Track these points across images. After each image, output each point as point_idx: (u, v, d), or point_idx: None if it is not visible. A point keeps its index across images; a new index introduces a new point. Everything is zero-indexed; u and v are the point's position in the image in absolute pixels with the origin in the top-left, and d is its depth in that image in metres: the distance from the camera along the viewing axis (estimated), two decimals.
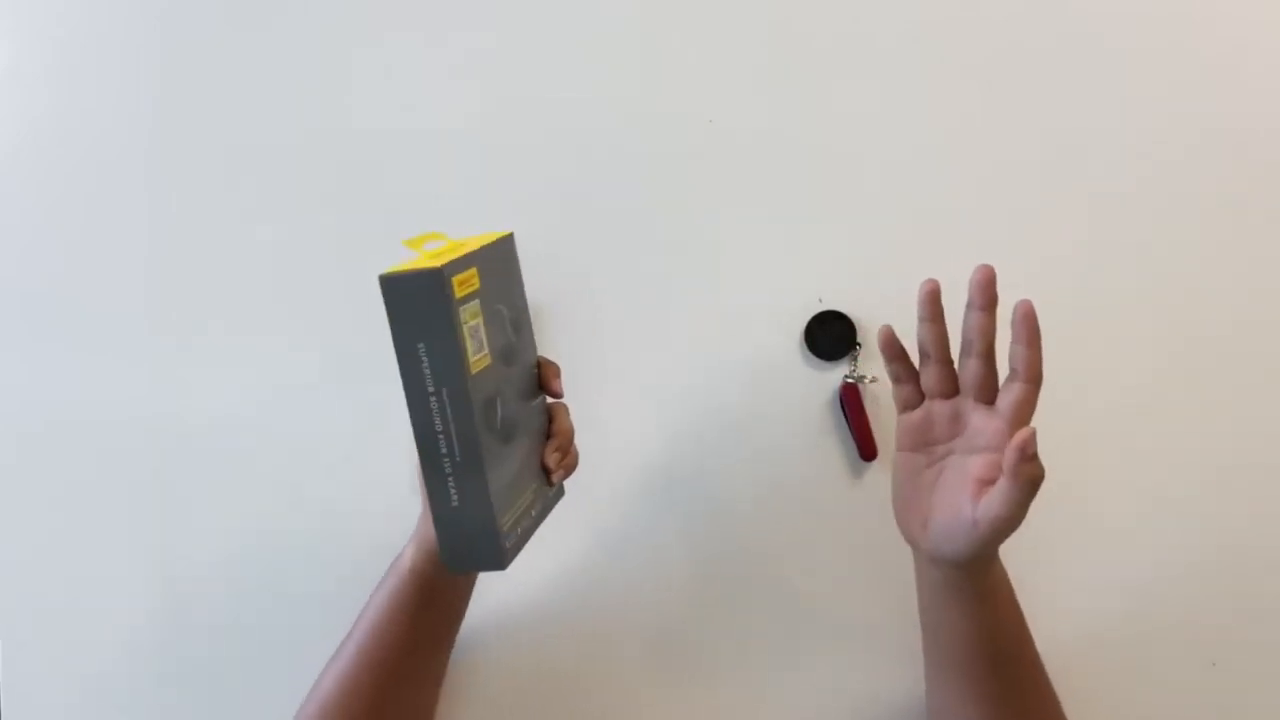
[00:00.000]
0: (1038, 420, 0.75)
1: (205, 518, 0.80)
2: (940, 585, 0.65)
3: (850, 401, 0.77)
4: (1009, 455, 0.58)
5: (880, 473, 0.77)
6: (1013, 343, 0.62)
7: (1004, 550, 0.76)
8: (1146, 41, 0.80)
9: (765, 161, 0.80)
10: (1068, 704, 0.68)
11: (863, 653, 0.75)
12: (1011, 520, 0.59)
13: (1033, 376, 0.62)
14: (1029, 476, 0.58)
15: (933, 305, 0.64)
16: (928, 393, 0.66)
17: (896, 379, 0.67)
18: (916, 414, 0.66)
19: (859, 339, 0.78)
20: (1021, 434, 0.57)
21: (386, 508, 0.79)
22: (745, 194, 0.80)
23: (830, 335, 0.78)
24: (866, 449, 0.77)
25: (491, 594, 0.77)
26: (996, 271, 0.61)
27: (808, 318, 0.79)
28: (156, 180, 0.83)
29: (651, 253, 0.79)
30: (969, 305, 0.62)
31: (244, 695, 0.78)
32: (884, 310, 0.78)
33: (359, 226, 0.82)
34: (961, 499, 0.62)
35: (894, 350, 0.67)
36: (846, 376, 0.78)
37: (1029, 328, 0.61)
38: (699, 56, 0.82)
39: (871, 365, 0.78)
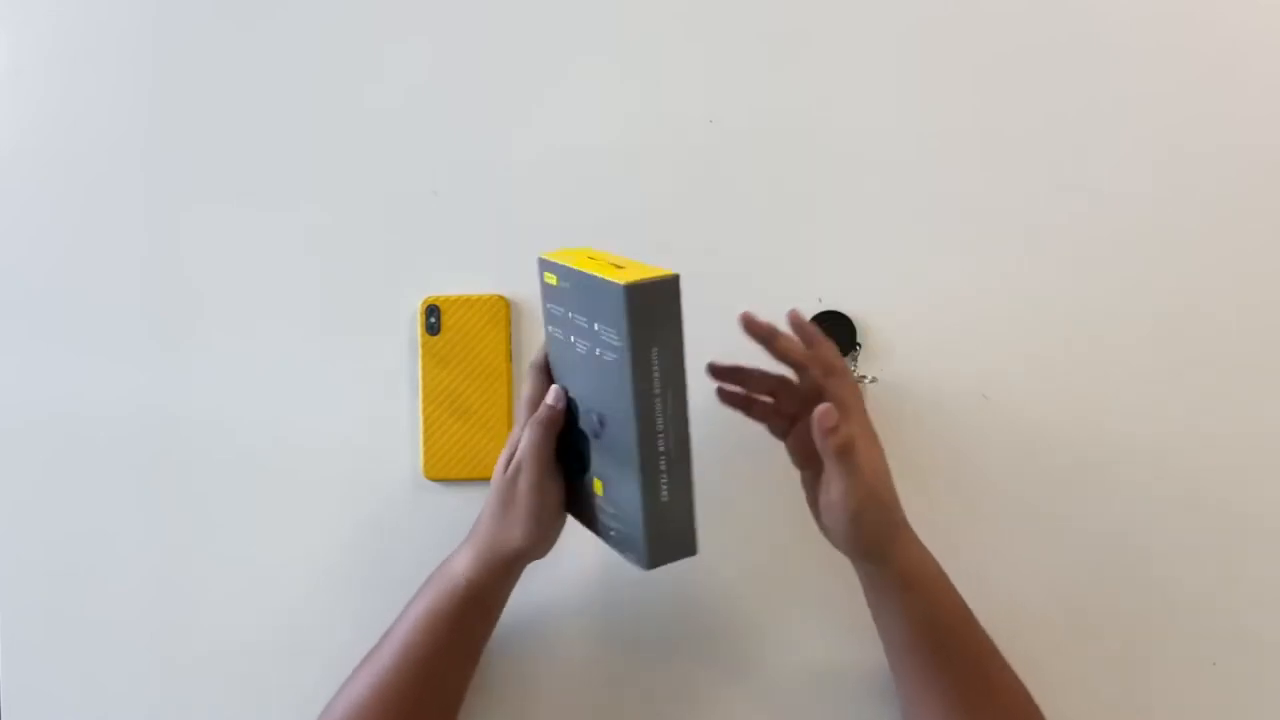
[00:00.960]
0: (1046, 420, 0.75)
1: (205, 515, 0.80)
2: (868, 581, 0.68)
3: None
4: (815, 435, 0.61)
5: None
6: (805, 347, 0.67)
7: (1006, 547, 0.76)
8: (1147, 41, 0.80)
9: (765, 161, 0.80)
10: (1068, 705, 0.68)
11: (862, 649, 0.75)
12: (849, 492, 0.62)
13: (832, 369, 0.66)
14: (836, 447, 0.61)
15: (727, 371, 0.70)
16: (783, 416, 0.70)
17: (761, 418, 0.71)
18: (790, 438, 0.70)
19: (859, 339, 0.78)
20: (817, 411, 0.61)
21: (388, 506, 0.79)
22: (745, 194, 0.80)
23: (830, 335, 0.78)
24: None
25: None
26: (752, 313, 0.66)
27: (808, 318, 0.78)
28: (155, 179, 0.83)
29: (651, 253, 0.79)
30: (764, 344, 0.67)
31: (245, 694, 0.79)
32: (884, 310, 0.79)
33: (359, 223, 0.82)
34: (828, 491, 0.65)
35: (737, 401, 0.71)
36: None
37: (806, 330, 0.68)
38: (699, 56, 0.82)
39: (871, 365, 0.78)
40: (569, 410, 0.67)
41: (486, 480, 0.78)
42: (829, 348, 0.68)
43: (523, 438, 0.66)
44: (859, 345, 0.78)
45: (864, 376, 0.78)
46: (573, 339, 0.65)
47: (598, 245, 0.77)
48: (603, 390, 0.63)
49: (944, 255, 0.79)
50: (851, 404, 0.66)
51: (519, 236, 0.81)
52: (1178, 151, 0.79)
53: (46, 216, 0.83)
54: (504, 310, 0.80)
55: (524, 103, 0.82)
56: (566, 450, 0.68)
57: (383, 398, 0.80)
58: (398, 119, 0.82)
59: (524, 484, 0.66)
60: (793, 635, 0.77)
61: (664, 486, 0.62)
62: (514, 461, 0.66)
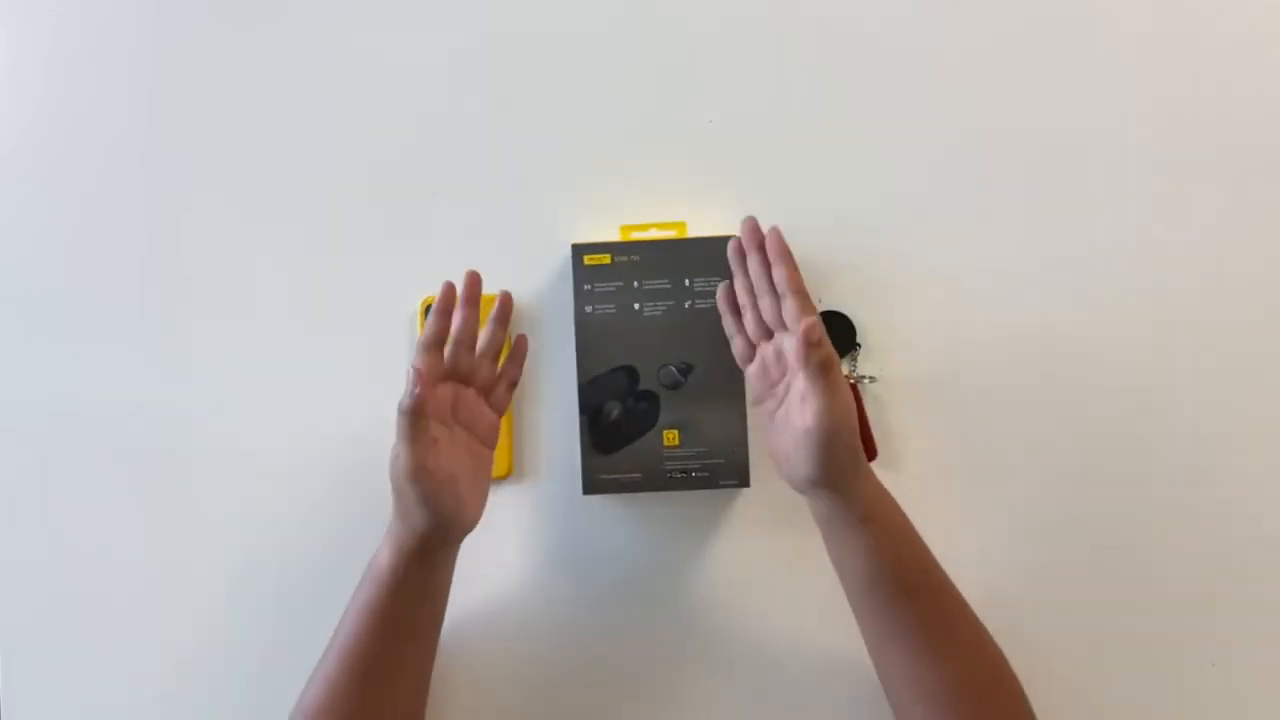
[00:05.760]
0: (1046, 420, 0.75)
1: (205, 515, 0.80)
2: (826, 517, 0.66)
3: None
4: (799, 349, 0.61)
5: (881, 472, 0.77)
6: (772, 266, 0.67)
7: (1006, 547, 0.76)
8: (1148, 43, 0.80)
9: (765, 162, 0.80)
10: (1068, 705, 0.68)
11: (862, 648, 0.75)
12: (825, 413, 0.61)
13: (794, 288, 0.66)
14: (818, 361, 0.61)
15: (738, 259, 0.71)
16: (753, 339, 0.70)
17: (730, 334, 0.73)
18: (754, 364, 0.70)
19: (859, 339, 0.78)
20: (803, 323, 0.61)
21: (387, 506, 0.79)
22: (745, 194, 0.80)
23: (830, 335, 0.78)
24: (867, 448, 0.77)
25: (480, 593, 0.78)
26: (758, 220, 0.70)
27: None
28: (155, 179, 0.83)
29: None
30: (745, 252, 0.70)
31: (244, 694, 0.79)
32: (884, 310, 0.79)
33: (359, 223, 0.82)
34: (794, 417, 0.64)
35: (727, 304, 0.72)
36: (846, 376, 0.78)
37: (777, 248, 0.67)
38: (699, 57, 0.82)
39: (871, 365, 0.78)
40: (607, 385, 0.74)
41: None
42: (794, 269, 0.67)
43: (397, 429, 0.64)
44: (859, 345, 0.78)
45: (864, 376, 0.78)
46: (637, 306, 0.74)
47: (601, 245, 0.78)
48: (694, 337, 0.74)
49: (944, 255, 0.79)
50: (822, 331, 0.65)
51: (518, 236, 0.81)
52: (1179, 153, 0.80)
53: (46, 216, 0.83)
54: None
55: (524, 102, 0.82)
56: (601, 428, 0.74)
57: (383, 398, 0.80)
58: (397, 119, 0.82)
59: (401, 474, 0.64)
60: (792, 640, 0.77)
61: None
62: (391, 453, 0.65)
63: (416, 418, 0.63)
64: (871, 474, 0.67)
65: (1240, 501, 0.77)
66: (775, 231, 0.68)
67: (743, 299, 0.71)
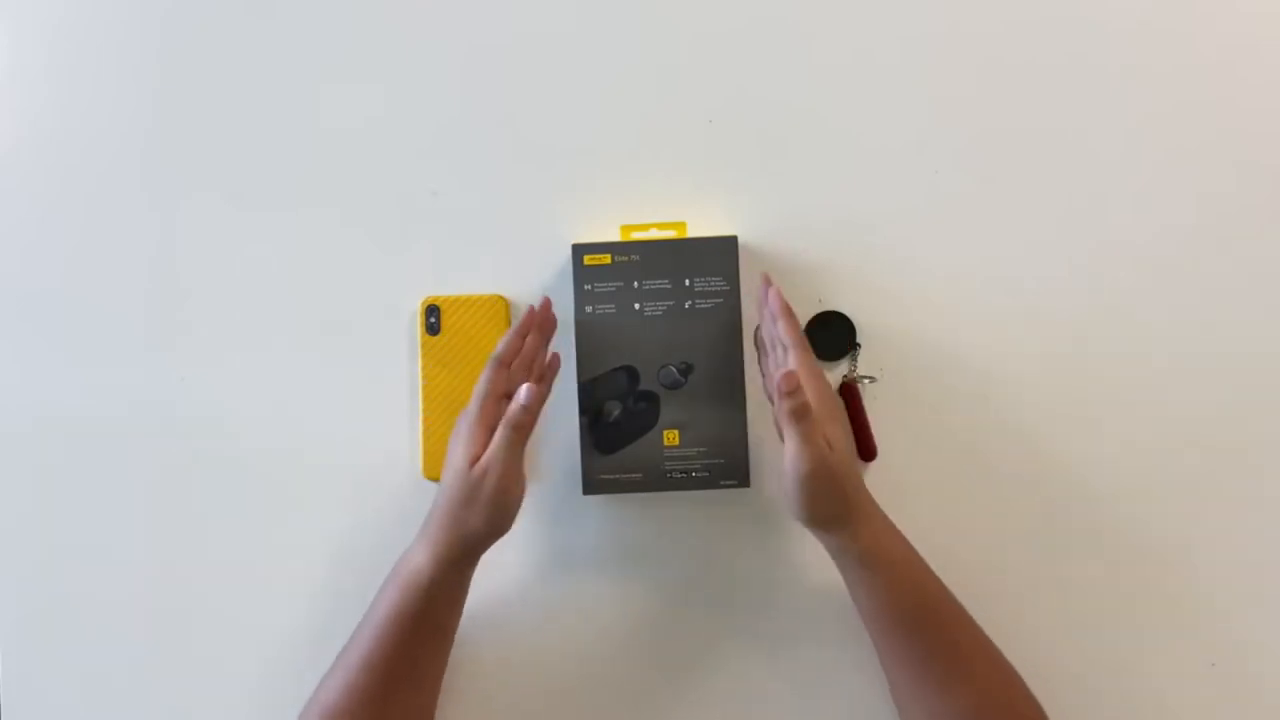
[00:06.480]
0: (1045, 420, 0.75)
1: (205, 516, 0.80)
2: (832, 556, 0.68)
3: (850, 401, 0.77)
4: (776, 398, 0.65)
5: (880, 472, 0.77)
6: (774, 321, 0.71)
7: (1006, 546, 0.76)
8: (1155, 44, 0.80)
9: (765, 162, 0.80)
10: (1068, 705, 0.68)
11: (863, 647, 0.75)
12: (797, 457, 0.64)
13: (792, 340, 0.70)
14: (789, 409, 0.63)
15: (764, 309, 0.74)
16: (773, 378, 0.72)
17: (762, 372, 0.76)
18: (775, 404, 0.71)
19: (859, 339, 0.78)
20: (779, 374, 0.64)
21: (387, 506, 0.79)
22: (745, 194, 0.80)
23: (830, 335, 0.78)
24: (866, 449, 0.77)
25: (480, 593, 0.78)
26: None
27: (808, 318, 0.79)
28: (155, 180, 0.83)
29: None
30: (768, 316, 0.72)
31: (244, 695, 0.79)
32: (884, 310, 0.79)
33: (359, 223, 0.82)
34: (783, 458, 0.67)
35: (758, 344, 0.75)
36: (846, 376, 0.78)
37: (780, 305, 0.71)
38: (698, 56, 0.82)
39: (871, 365, 0.78)
40: (608, 385, 0.74)
41: None
42: (790, 325, 0.70)
43: (496, 438, 0.67)
44: (859, 345, 0.78)
45: (864, 376, 0.78)
46: (637, 306, 0.75)
47: (601, 245, 0.78)
48: (694, 337, 0.74)
49: (944, 255, 0.79)
50: (811, 375, 0.67)
51: (519, 236, 0.81)
52: (1182, 154, 0.79)
53: (46, 218, 0.83)
54: (503, 310, 0.80)
55: (524, 102, 0.82)
56: (601, 428, 0.74)
57: (383, 398, 0.80)
58: (397, 119, 0.82)
59: (493, 484, 0.66)
60: (793, 639, 0.77)
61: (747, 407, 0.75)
62: (484, 461, 0.67)
63: (528, 432, 0.68)
64: (875, 514, 0.67)
65: (1240, 501, 0.77)
66: (774, 292, 0.71)
67: (766, 345, 0.74)
